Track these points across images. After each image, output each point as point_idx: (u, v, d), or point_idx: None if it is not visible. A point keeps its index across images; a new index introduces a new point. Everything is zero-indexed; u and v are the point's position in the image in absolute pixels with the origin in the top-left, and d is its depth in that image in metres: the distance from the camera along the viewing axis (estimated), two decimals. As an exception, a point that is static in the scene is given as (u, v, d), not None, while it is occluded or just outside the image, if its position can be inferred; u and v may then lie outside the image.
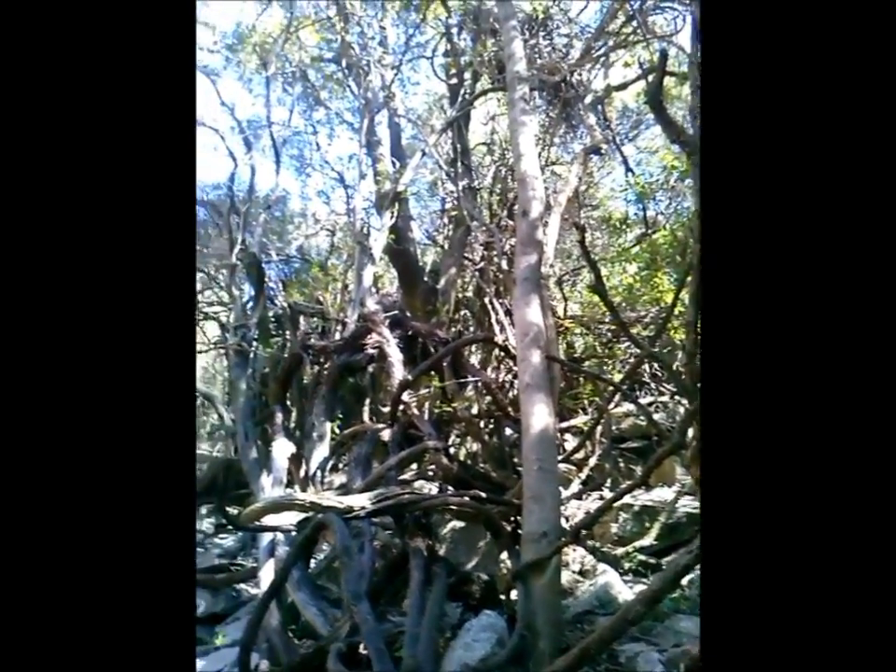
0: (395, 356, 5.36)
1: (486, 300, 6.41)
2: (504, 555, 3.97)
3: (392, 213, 6.69)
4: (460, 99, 7.07)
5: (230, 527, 8.53)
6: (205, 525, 9.50)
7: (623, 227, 6.93)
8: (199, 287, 9.91)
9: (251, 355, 6.46)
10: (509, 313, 5.54)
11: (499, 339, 5.51)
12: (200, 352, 11.09)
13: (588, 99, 6.07)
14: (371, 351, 5.72)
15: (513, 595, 3.29)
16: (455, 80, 7.62)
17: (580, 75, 6.25)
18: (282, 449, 5.37)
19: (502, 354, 6.20)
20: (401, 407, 4.93)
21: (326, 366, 6.22)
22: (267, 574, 4.44)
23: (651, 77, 3.55)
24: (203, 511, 9.74)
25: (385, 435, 5.06)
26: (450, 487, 4.38)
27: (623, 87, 6.58)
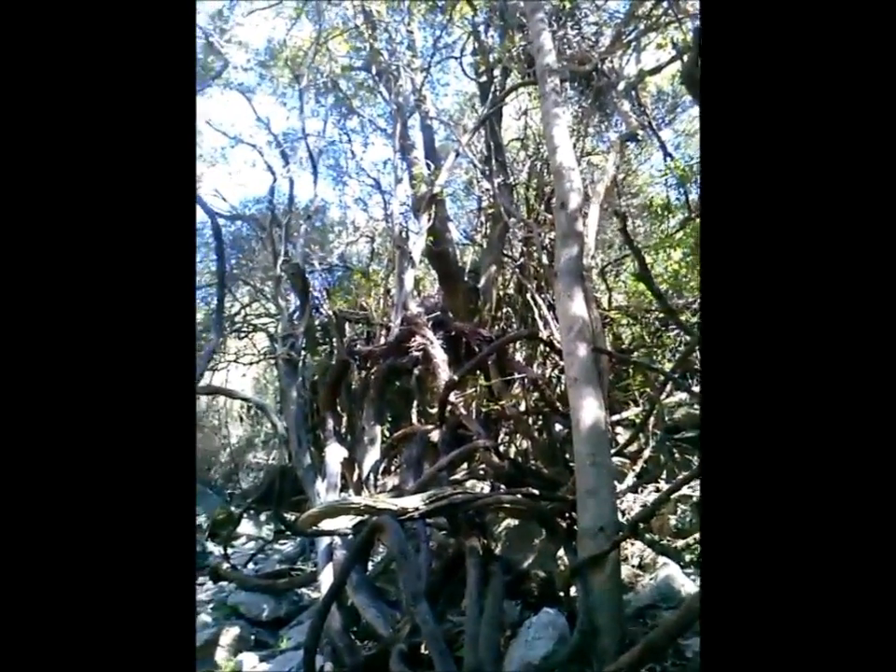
0: (439, 357, 5.38)
1: (528, 295, 6.36)
2: (561, 552, 3.93)
3: (429, 215, 6.72)
4: (491, 96, 7.04)
5: (289, 533, 8.72)
6: (265, 531, 9.74)
7: (665, 212, 6.77)
8: (246, 299, 10.17)
9: (300, 363, 6.58)
10: (552, 307, 5.49)
11: (544, 334, 5.46)
12: (250, 363, 11.38)
13: (621, 86, 5.96)
14: (415, 353, 5.76)
15: (572, 591, 3.25)
16: (484, 78, 7.59)
17: (611, 62, 6.14)
18: (335, 454, 5.46)
19: (547, 349, 6.15)
20: (449, 407, 4.94)
21: (373, 371, 6.29)
22: (327, 578, 4.51)
23: (685, 58, 3.46)
24: (263, 517, 9.98)
25: (435, 436, 5.08)
26: (502, 485, 4.37)
27: (656, 70, 6.43)
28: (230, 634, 5.38)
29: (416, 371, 6.29)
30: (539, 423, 5.89)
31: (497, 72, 7.52)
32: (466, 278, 7.58)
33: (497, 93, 7.17)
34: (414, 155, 8.04)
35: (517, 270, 6.94)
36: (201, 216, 9.87)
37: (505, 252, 7.50)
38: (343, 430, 6.71)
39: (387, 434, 6.11)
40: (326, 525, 4.18)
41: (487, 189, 7.36)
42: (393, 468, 6.35)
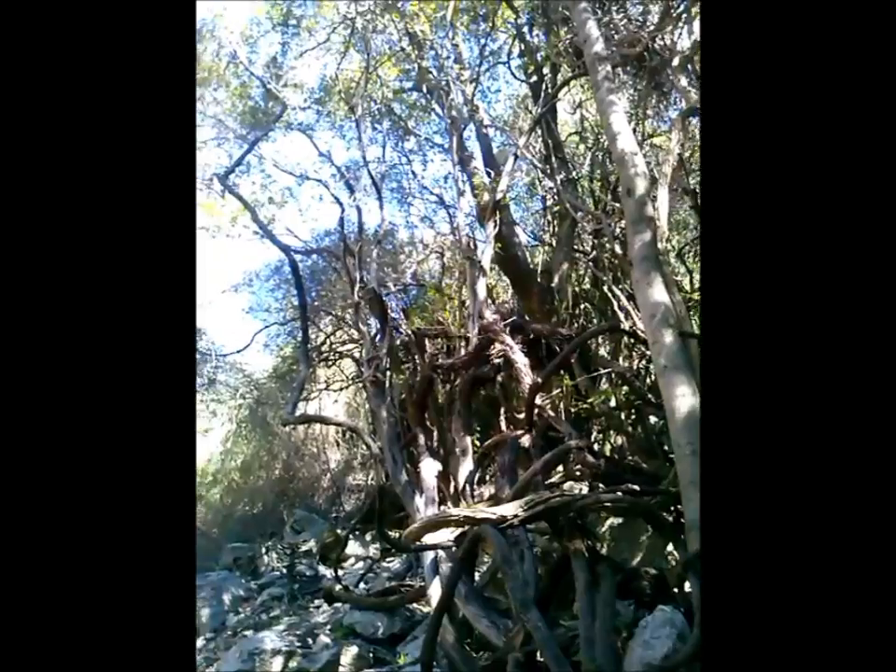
0: (521, 361, 5.35)
1: (605, 288, 6.23)
2: (669, 547, 3.79)
3: (495, 222, 6.72)
4: (543, 95, 6.99)
5: (394, 550, 8.86)
6: (372, 550, 9.95)
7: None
8: (329, 328, 10.51)
9: (386, 384, 6.72)
10: (631, 297, 5.34)
11: (626, 325, 5.32)
12: (340, 389, 11.73)
13: (675, 61, 5.75)
14: (496, 361, 5.75)
15: (686, 586, 3.12)
16: (534, 78, 7.56)
17: (661, 39, 5.96)
18: (429, 469, 5.52)
19: (632, 340, 5.98)
20: (536, 411, 4.89)
21: (456, 383, 6.32)
22: (435, 592, 4.55)
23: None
24: (368, 537, 10.21)
25: (526, 441, 5.04)
26: (600, 485, 4.27)
27: (711, 39, 6.16)
28: (349, 653, 5.52)
29: (499, 379, 6.27)
30: (632, 417, 5.73)
31: (546, 70, 7.47)
32: (538, 279, 7.51)
33: (549, 91, 7.11)
34: (474, 165, 8.08)
35: (590, 264, 6.82)
36: (278, 254, 10.36)
37: (576, 248, 7.38)
38: (435, 444, 6.77)
39: (478, 444, 6.11)
40: (428, 539, 4.23)
41: (550, 188, 7.29)
42: (487, 476, 6.34)
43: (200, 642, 7.93)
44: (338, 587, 7.35)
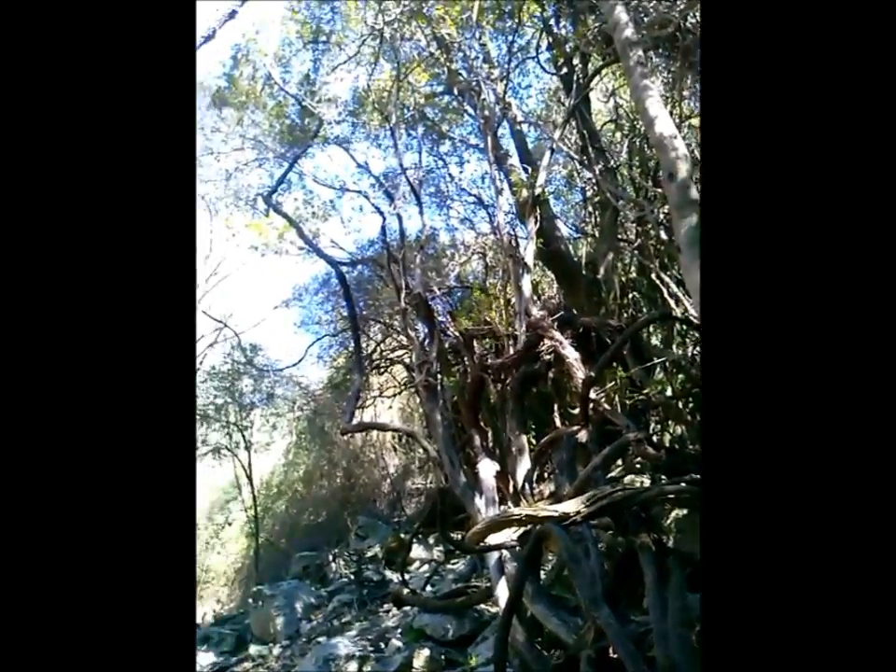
0: (571, 356, 5.30)
1: (653, 276, 6.11)
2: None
3: (535, 218, 6.68)
4: (575, 86, 6.92)
5: (458, 552, 8.90)
6: (435, 553, 10.02)
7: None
8: (379, 336, 10.65)
9: (438, 387, 6.76)
10: (680, 283, 5.23)
11: (677, 312, 5.21)
12: (393, 395, 11.86)
13: (710, 38, 5.61)
14: (546, 357, 5.72)
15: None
16: (565, 70, 7.48)
17: (693, 16, 5.81)
18: (487, 469, 5.53)
19: (684, 327, 5.85)
20: (591, 405, 4.84)
21: (507, 382, 6.31)
22: (502, 592, 4.55)
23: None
24: (431, 540, 10.29)
25: (582, 436, 4.99)
26: (662, 476, 4.19)
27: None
28: (421, 656, 5.58)
29: (551, 375, 6.24)
30: (690, 405, 5.60)
31: (576, 60, 7.38)
32: (584, 272, 7.43)
33: (581, 81, 7.03)
34: (510, 163, 8.06)
35: (636, 252, 6.70)
36: (324, 267, 10.57)
37: (620, 237, 7.27)
38: (491, 445, 6.78)
39: (534, 442, 6.08)
40: (492, 539, 4.24)
41: (589, 179, 7.21)
42: (546, 474, 6.30)
43: (276, 650, 8.16)
44: (405, 591, 7.44)
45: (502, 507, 5.34)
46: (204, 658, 8.75)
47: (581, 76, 7.18)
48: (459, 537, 8.34)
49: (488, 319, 7.76)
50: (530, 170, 7.38)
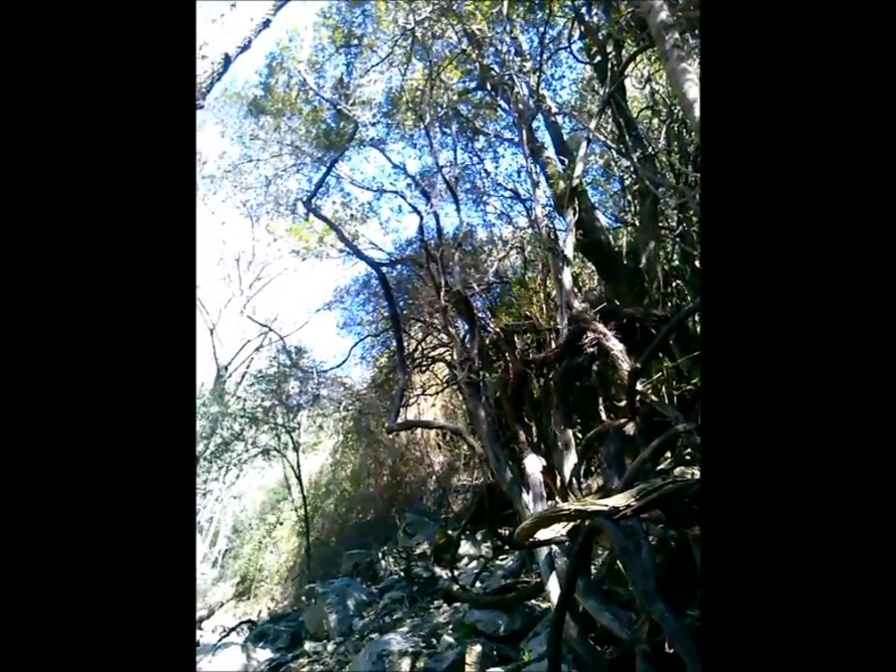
0: (616, 347, 5.23)
1: (696, 263, 5.98)
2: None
3: (573, 209, 6.61)
4: (609, 74, 6.82)
5: (507, 548, 8.89)
6: (484, 549, 10.04)
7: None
8: (420, 335, 10.71)
9: (481, 384, 6.76)
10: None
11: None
12: (436, 393, 11.91)
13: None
14: (590, 350, 5.65)
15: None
16: (598, 58, 7.38)
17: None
18: (533, 464, 5.50)
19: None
20: (637, 397, 4.77)
21: (550, 376, 6.27)
22: (553, 587, 4.53)
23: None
24: (479, 536, 10.31)
25: (630, 429, 4.93)
26: (714, 467, 4.10)
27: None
28: (474, 652, 5.60)
29: (595, 368, 6.17)
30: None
31: (609, 48, 7.27)
32: (625, 262, 7.32)
33: (615, 69, 6.92)
34: (546, 155, 8.00)
35: (678, 239, 6.56)
36: (364, 269, 10.69)
37: (661, 224, 7.13)
38: (535, 440, 6.75)
39: (580, 436, 6.03)
40: (541, 535, 4.22)
41: (627, 167, 7.09)
42: (593, 468, 6.24)
43: (330, 646, 8.31)
44: (455, 587, 7.48)
45: (550, 502, 5.32)
46: (261, 654, 8.99)
47: (615, 63, 7.06)
48: (507, 533, 8.34)
49: (528, 314, 7.72)
50: (567, 161, 7.31)
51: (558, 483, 5.43)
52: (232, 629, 11.30)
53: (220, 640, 10.52)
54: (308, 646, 8.63)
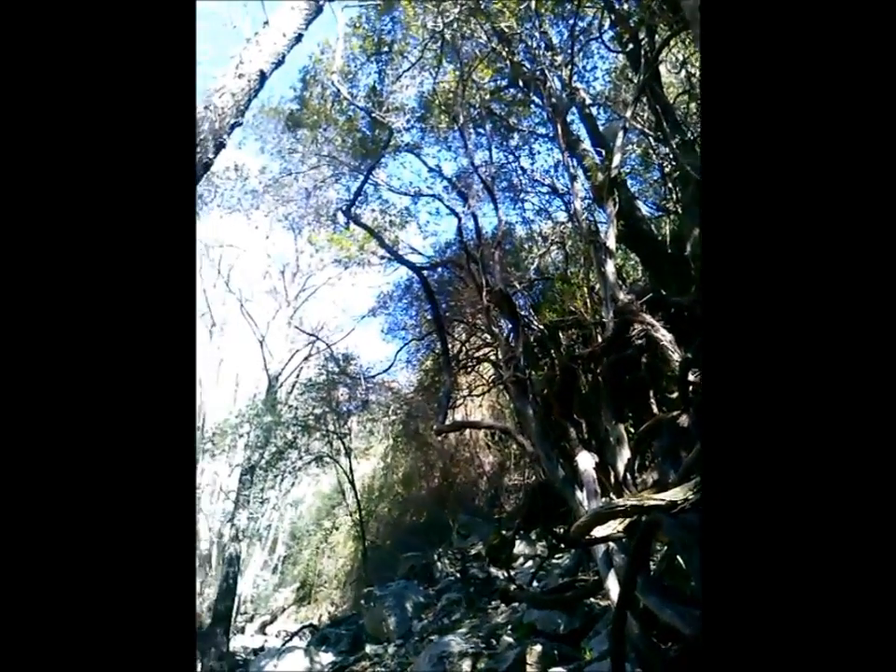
0: (665, 338, 5.12)
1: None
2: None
3: (613, 201, 6.51)
4: (643, 60, 6.69)
5: (563, 547, 8.81)
6: (538, 549, 9.97)
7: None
8: (463, 336, 10.72)
9: (527, 382, 6.72)
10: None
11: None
12: (482, 393, 11.90)
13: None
14: (638, 342, 5.55)
15: None
16: (631, 46, 7.25)
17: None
18: (586, 461, 5.43)
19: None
20: (690, 388, 4.65)
21: (598, 371, 6.18)
22: (612, 585, 4.46)
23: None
24: (533, 535, 10.24)
25: (683, 421, 4.81)
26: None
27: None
28: (534, 652, 5.57)
29: (644, 359, 6.05)
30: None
31: (642, 34, 7.13)
32: (669, 250, 7.17)
33: (649, 55, 6.78)
34: (582, 147, 7.91)
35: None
36: (404, 274, 10.78)
37: (705, 211, 6.94)
38: (586, 437, 6.66)
39: (632, 430, 5.92)
40: (597, 532, 4.16)
41: (666, 154, 6.94)
42: (647, 462, 6.13)
43: (391, 648, 8.39)
44: (512, 587, 7.45)
45: (604, 499, 5.24)
46: (324, 658, 9.14)
47: (648, 49, 6.92)
48: (562, 531, 8.25)
49: (573, 309, 7.64)
50: (604, 153, 7.21)
51: (612, 480, 5.35)
52: (295, 633, 11.53)
53: (284, 645, 10.74)
54: (369, 649, 8.73)
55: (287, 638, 11.75)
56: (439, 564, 11.07)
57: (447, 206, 8.67)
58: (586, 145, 8.09)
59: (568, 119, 7.83)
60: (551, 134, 8.30)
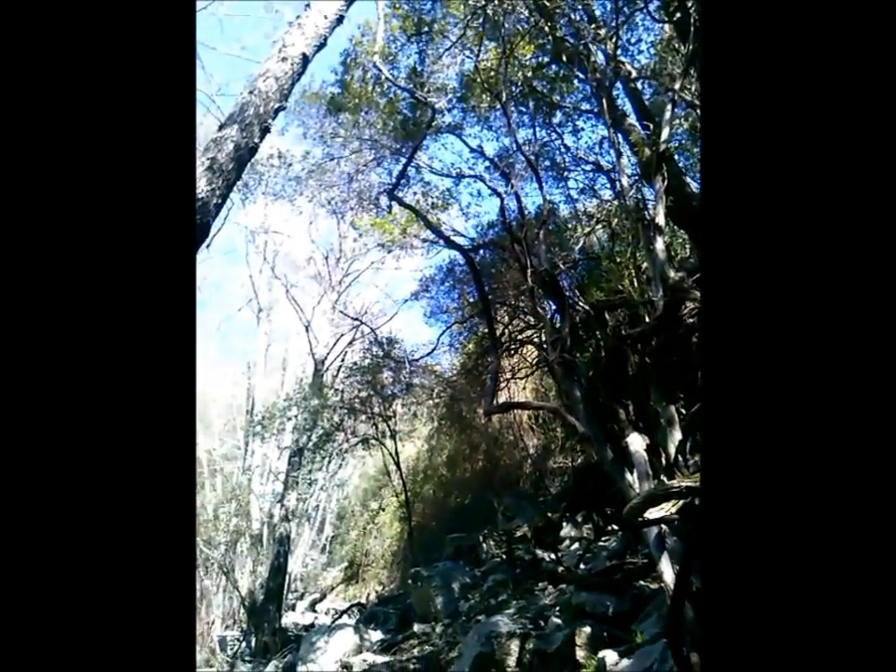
0: (718, 317, 4.97)
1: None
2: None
3: (662, 176, 6.32)
4: (692, 29, 6.44)
5: (609, 529, 8.74)
6: (585, 531, 9.91)
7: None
8: (506, 319, 10.66)
9: (574, 363, 6.64)
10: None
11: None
12: (526, 376, 11.84)
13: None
14: (689, 321, 5.40)
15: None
16: (678, 15, 6.98)
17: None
18: (636, 443, 5.35)
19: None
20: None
21: (647, 351, 6.06)
22: (665, 567, 4.40)
23: None
24: (579, 518, 10.18)
25: (738, 401, 4.68)
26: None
27: None
28: (583, 634, 5.55)
29: (695, 339, 5.89)
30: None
31: (689, 2, 6.86)
32: (721, 227, 6.93)
33: (698, 24, 6.52)
34: (628, 123, 7.70)
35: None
36: (448, 257, 10.74)
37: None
38: (634, 418, 6.55)
39: (683, 411, 5.79)
40: (650, 514, 4.09)
41: (718, 127, 6.67)
42: (699, 444, 5.99)
43: (438, 628, 8.50)
44: (560, 569, 7.43)
45: (655, 480, 5.16)
46: (373, 635, 9.32)
47: (697, 17, 6.65)
48: (610, 513, 8.16)
49: (619, 288, 7.49)
50: (651, 127, 6.99)
51: (663, 461, 5.25)
52: (344, 612, 11.79)
53: (333, 622, 11.00)
54: (417, 627, 8.87)
55: (336, 616, 12.03)
56: (484, 545, 11.13)
57: (489, 187, 8.58)
58: (632, 120, 7.87)
59: (613, 93, 7.62)
60: (595, 110, 8.10)
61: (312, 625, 12.17)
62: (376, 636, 9.34)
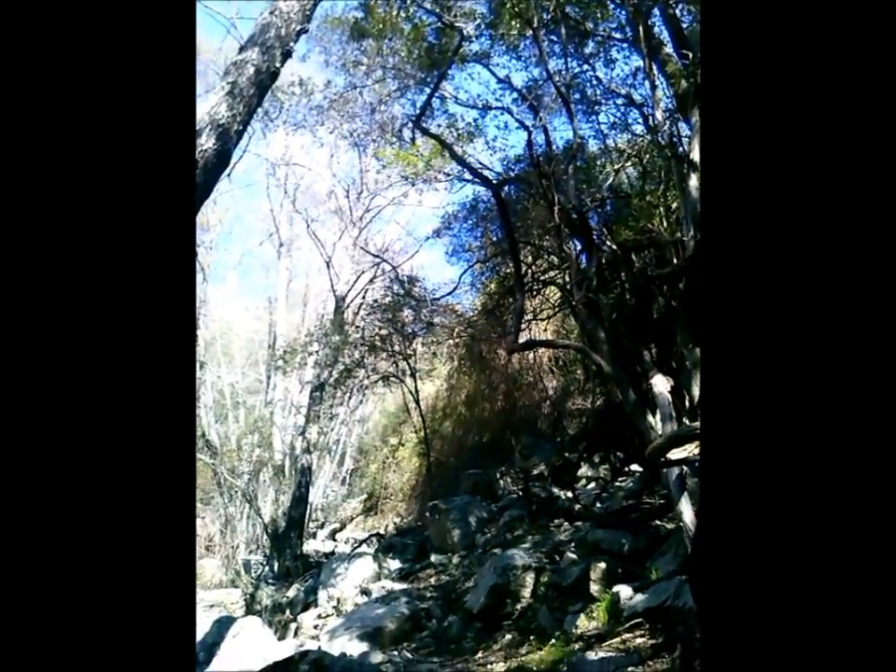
0: (753, 258, 4.81)
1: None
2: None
3: (699, 109, 6.01)
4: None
5: (626, 470, 8.82)
6: (602, 471, 10.04)
7: None
8: (529, 258, 10.47)
9: (598, 304, 6.53)
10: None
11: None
12: (548, 317, 11.74)
13: None
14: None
15: None
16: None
17: None
18: (660, 384, 5.31)
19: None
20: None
21: (675, 293, 5.93)
22: (685, 507, 4.43)
23: None
24: (596, 459, 10.29)
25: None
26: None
27: None
28: (598, 569, 5.67)
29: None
30: None
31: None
32: (759, 165, 6.63)
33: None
34: (665, 52, 7.28)
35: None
36: (471, 193, 10.48)
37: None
38: (657, 360, 6.48)
39: (709, 354, 5.70)
40: (673, 454, 4.09)
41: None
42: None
43: (455, 559, 8.76)
44: (577, 506, 7.55)
45: (678, 422, 5.14)
46: (391, 564, 9.66)
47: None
48: (625, 455, 8.21)
49: (649, 227, 7.27)
50: (690, 57, 6.60)
51: (687, 404, 5.22)
52: (363, 541, 12.20)
53: (353, 550, 11.41)
54: (434, 558, 9.16)
55: (355, 545, 12.47)
56: (501, 482, 11.34)
57: (517, 119, 8.26)
58: (669, 49, 7.43)
59: (650, 20, 7.18)
60: (630, 39, 7.66)
61: (332, 553, 12.65)
62: (394, 564, 9.68)
